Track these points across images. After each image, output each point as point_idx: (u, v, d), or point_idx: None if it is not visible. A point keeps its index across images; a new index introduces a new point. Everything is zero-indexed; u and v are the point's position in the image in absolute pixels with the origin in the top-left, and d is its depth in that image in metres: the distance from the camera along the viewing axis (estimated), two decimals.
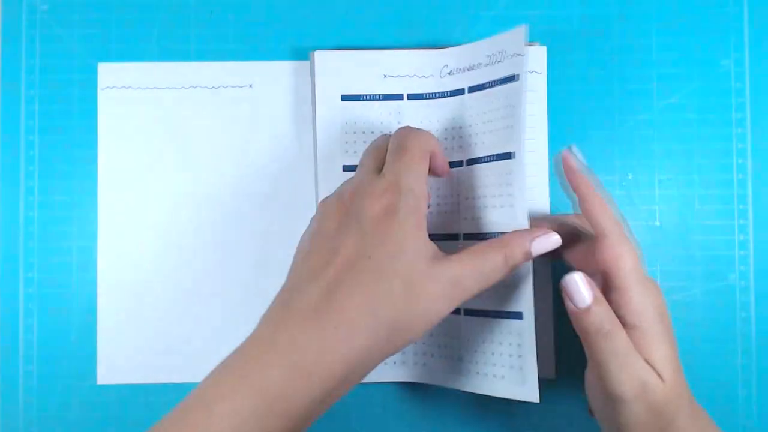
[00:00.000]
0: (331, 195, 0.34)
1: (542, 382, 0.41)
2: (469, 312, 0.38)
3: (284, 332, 0.29)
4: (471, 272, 0.31)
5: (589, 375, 0.34)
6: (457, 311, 0.39)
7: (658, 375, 0.31)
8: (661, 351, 0.31)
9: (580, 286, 0.31)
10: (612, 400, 0.31)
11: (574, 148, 0.34)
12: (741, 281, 0.42)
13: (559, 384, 0.41)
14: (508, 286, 0.36)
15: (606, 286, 0.32)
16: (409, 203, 0.31)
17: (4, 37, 0.42)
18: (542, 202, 0.40)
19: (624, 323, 0.31)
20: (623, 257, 0.32)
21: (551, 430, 0.41)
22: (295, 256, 0.33)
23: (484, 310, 0.38)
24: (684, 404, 0.32)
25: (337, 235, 0.31)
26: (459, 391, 0.38)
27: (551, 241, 0.33)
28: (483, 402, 0.41)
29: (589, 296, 0.31)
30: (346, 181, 0.35)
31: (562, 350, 0.41)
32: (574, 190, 0.34)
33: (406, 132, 0.34)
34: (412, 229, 0.31)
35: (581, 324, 0.31)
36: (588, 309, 0.31)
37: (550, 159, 0.41)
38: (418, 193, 0.32)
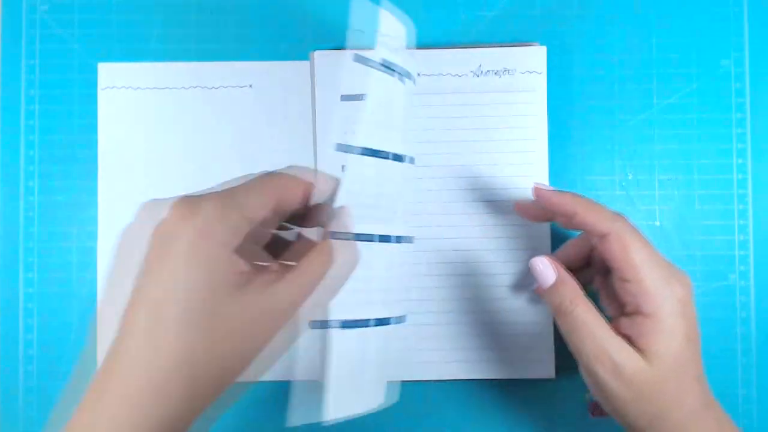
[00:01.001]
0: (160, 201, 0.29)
1: (542, 382, 0.41)
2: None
3: (103, 396, 0.26)
4: (290, 294, 0.28)
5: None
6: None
7: (645, 358, 0.31)
8: (665, 341, 0.31)
9: (544, 267, 0.34)
10: (590, 375, 0.33)
11: (539, 184, 0.36)
12: (741, 281, 0.42)
13: (559, 384, 0.41)
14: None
15: (620, 278, 0.33)
16: (224, 229, 0.27)
17: (4, 37, 0.42)
18: None
19: (640, 312, 0.32)
20: (631, 249, 0.32)
21: (551, 430, 0.41)
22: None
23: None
24: (687, 397, 0.32)
25: (154, 267, 0.27)
26: (452, 390, 0.38)
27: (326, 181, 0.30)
28: (482, 402, 0.41)
29: (552, 276, 0.34)
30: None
31: (562, 350, 0.41)
32: (561, 212, 0.34)
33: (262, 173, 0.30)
34: (221, 254, 0.27)
35: (547, 302, 0.34)
36: (551, 288, 0.34)
37: (550, 159, 0.41)
38: (244, 215, 0.28)
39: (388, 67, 0.33)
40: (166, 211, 0.27)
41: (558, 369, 0.40)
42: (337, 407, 0.31)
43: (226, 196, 0.28)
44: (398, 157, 0.34)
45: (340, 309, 0.32)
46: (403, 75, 0.34)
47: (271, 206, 0.29)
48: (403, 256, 0.35)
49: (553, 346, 0.40)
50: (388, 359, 0.34)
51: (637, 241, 0.32)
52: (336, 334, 0.32)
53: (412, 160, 0.36)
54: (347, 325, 0.32)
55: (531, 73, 0.41)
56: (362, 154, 0.32)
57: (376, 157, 0.33)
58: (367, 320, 0.33)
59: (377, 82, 0.32)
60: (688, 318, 0.32)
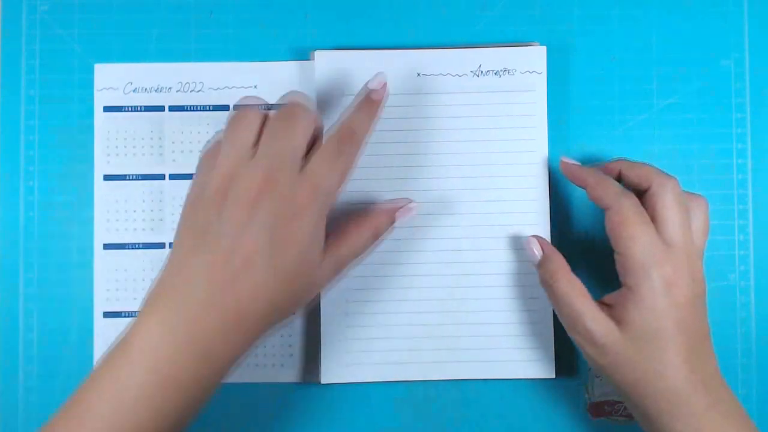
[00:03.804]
0: (218, 158, 0.33)
1: (542, 382, 0.41)
2: None
3: (190, 319, 0.30)
4: (349, 251, 0.35)
5: None
6: None
7: (619, 327, 0.33)
8: (642, 313, 0.33)
9: (531, 245, 0.38)
10: (574, 343, 0.36)
11: (565, 158, 0.39)
12: (741, 281, 0.42)
13: (559, 384, 0.41)
14: None
15: (615, 252, 0.35)
16: (322, 208, 0.33)
17: (4, 37, 0.42)
18: (541, 203, 0.40)
19: (625, 284, 0.34)
20: (627, 223, 0.34)
21: (550, 430, 0.41)
22: (183, 217, 0.34)
23: None
24: (666, 371, 0.33)
25: (239, 227, 0.31)
26: (452, 390, 0.38)
27: (411, 212, 0.38)
28: (482, 402, 0.41)
29: (538, 253, 0.38)
30: (226, 140, 0.34)
31: (562, 350, 0.41)
32: (577, 184, 0.38)
33: (347, 120, 0.35)
34: (315, 228, 0.33)
35: (538, 276, 0.38)
36: (538, 264, 0.37)
37: (550, 159, 0.41)
38: (331, 197, 0.34)
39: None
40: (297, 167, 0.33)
41: (558, 369, 0.40)
42: None
43: (323, 182, 0.33)
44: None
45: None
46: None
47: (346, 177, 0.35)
48: None
49: (552, 346, 0.40)
50: None
51: (637, 217, 0.34)
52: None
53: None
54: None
55: (531, 73, 0.41)
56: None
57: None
58: None
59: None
60: (672, 300, 0.33)
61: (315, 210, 0.32)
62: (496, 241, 0.40)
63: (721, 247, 0.42)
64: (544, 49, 0.41)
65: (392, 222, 0.37)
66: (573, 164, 0.38)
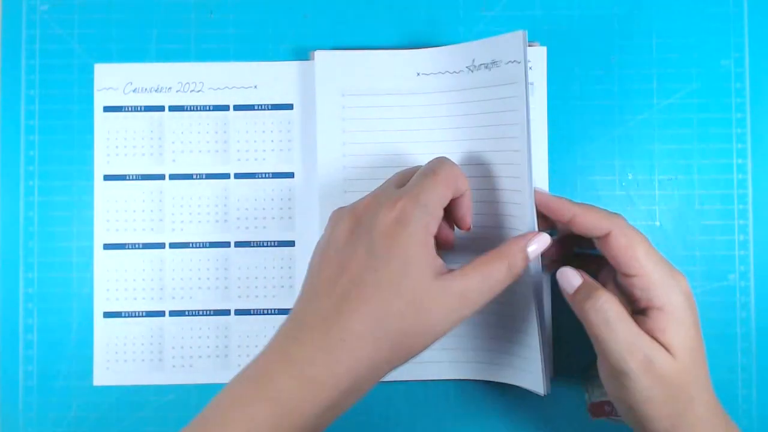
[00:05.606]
0: (346, 205, 0.34)
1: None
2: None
3: (295, 344, 0.31)
4: (477, 285, 0.32)
5: (599, 361, 0.34)
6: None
7: (670, 353, 0.31)
8: (682, 333, 0.32)
9: (567, 274, 0.34)
10: (618, 376, 0.32)
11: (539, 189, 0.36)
12: (741, 281, 0.42)
13: (559, 386, 0.41)
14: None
15: (625, 274, 0.33)
16: (421, 218, 0.31)
17: (4, 37, 0.42)
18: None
19: (651, 306, 0.32)
20: (633, 244, 0.33)
21: (550, 430, 0.41)
22: (309, 265, 0.34)
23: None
24: (702, 391, 0.32)
25: (347, 246, 0.32)
26: (452, 390, 0.38)
27: (543, 241, 0.34)
28: (481, 403, 0.41)
29: (576, 281, 0.33)
30: (365, 196, 0.35)
31: (561, 355, 0.41)
32: (559, 216, 0.35)
33: (440, 160, 0.35)
34: (420, 243, 0.31)
35: (574, 305, 0.33)
36: (578, 289, 0.33)
37: (550, 159, 0.41)
38: (431, 211, 0.32)
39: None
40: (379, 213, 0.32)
41: (557, 369, 0.40)
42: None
43: (421, 194, 0.32)
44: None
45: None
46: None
47: (447, 200, 0.33)
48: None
49: (552, 358, 0.40)
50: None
51: (638, 236, 0.33)
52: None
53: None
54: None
55: (531, 69, 0.40)
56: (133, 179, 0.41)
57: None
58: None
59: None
60: (694, 311, 0.33)
61: (415, 219, 0.31)
62: (496, 240, 0.40)
63: (721, 247, 0.42)
64: (544, 49, 0.41)
65: (525, 256, 0.33)
66: (547, 195, 0.36)
